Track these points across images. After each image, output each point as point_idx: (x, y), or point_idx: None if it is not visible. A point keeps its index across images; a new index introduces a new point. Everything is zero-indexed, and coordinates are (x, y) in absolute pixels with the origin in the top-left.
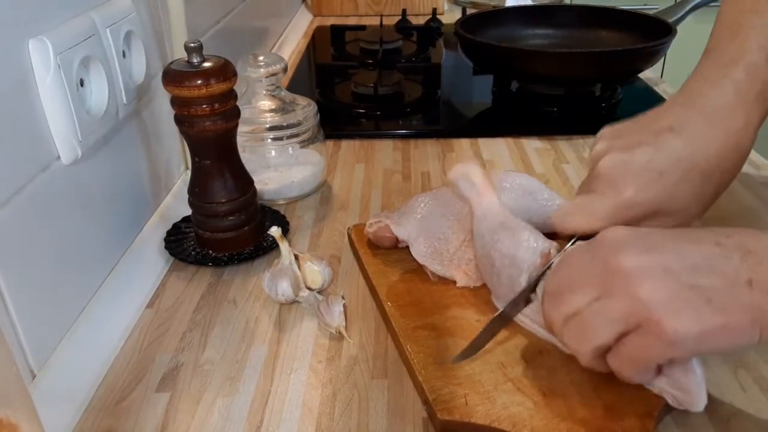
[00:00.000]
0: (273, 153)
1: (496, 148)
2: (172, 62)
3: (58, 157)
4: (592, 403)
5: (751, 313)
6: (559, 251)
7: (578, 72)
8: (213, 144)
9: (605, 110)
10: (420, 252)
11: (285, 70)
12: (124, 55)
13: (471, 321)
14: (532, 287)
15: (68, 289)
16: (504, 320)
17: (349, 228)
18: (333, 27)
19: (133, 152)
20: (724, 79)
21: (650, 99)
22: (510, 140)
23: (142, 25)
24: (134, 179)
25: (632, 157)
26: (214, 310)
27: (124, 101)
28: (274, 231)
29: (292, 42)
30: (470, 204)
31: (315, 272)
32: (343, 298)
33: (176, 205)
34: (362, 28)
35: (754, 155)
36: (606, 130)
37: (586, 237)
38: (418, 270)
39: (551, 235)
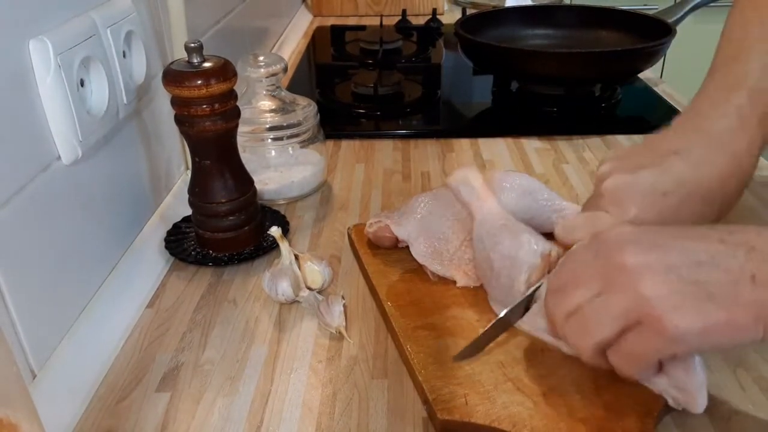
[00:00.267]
0: (273, 153)
1: (496, 148)
2: (172, 62)
3: (59, 157)
4: (592, 402)
5: (754, 309)
6: (559, 254)
7: (578, 72)
8: (213, 144)
9: (605, 110)
10: (420, 252)
11: (285, 70)
12: (124, 55)
13: (471, 321)
14: (533, 293)
15: (68, 289)
16: (505, 324)
17: (349, 228)
18: (333, 27)
19: (133, 152)
20: (727, 104)
21: (650, 99)
22: (510, 140)
23: (142, 25)
24: (134, 179)
25: (637, 178)
26: (214, 310)
27: (125, 101)
28: (274, 231)
29: (292, 42)
30: (471, 208)
31: (315, 272)
32: (343, 298)
33: (176, 205)
34: (362, 28)
35: None
36: (612, 153)
37: None
38: (418, 270)
39: (551, 236)
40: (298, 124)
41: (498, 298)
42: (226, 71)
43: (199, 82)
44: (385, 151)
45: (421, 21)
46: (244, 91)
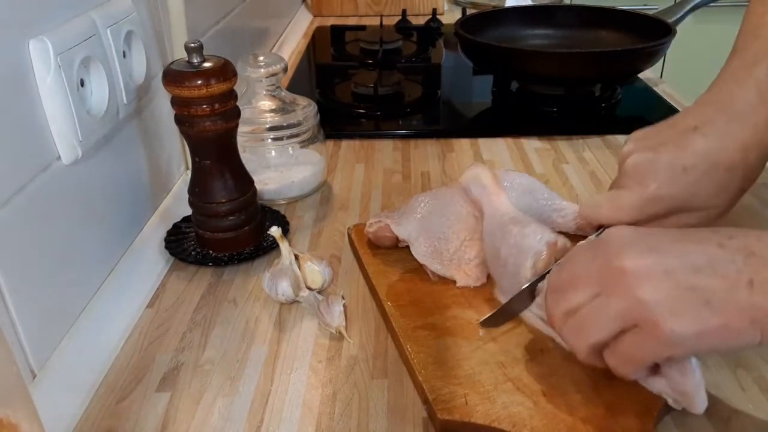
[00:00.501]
0: (273, 153)
1: (496, 148)
2: (172, 62)
3: (59, 157)
4: (592, 402)
5: (750, 313)
6: (566, 244)
7: (578, 72)
8: (213, 144)
9: (605, 110)
10: (420, 252)
11: (285, 70)
12: (124, 55)
13: (471, 321)
14: (539, 279)
15: (68, 289)
16: (511, 312)
17: (349, 228)
18: (333, 27)
19: (133, 152)
20: (747, 78)
21: (650, 99)
22: (510, 140)
23: (142, 25)
24: (134, 179)
25: (657, 154)
26: (214, 310)
27: (125, 101)
28: (274, 231)
29: (292, 42)
30: (480, 205)
31: (315, 272)
32: (343, 298)
33: (176, 205)
34: (362, 28)
35: None
36: (635, 133)
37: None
38: (418, 270)
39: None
40: (298, 124)
41: (505, 287)
42: (226, 71)
43: (199, 82)
44: (385, 151)
45: (421, 21)
46: (244, 91)
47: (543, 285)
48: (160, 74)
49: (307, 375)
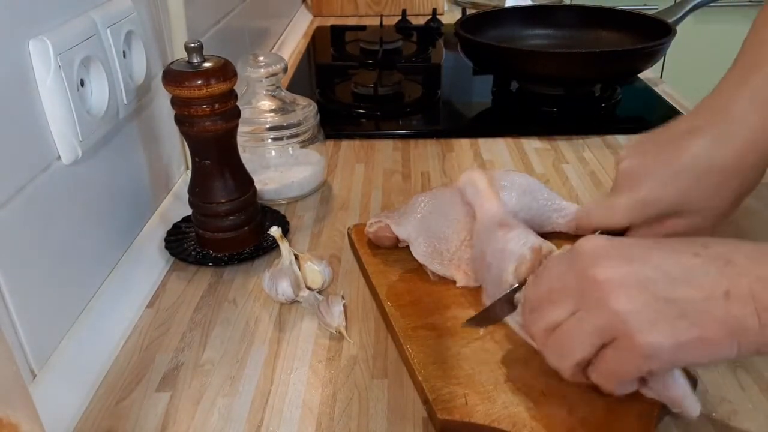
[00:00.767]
0: (273, 153)
1: (496, 148)
2: (172, 62)
3: (59, 157)
4: (592, 402)
5: (727, 325)
6: (551, 248)
7: (578, 72)
8: (213, 144)
9: (605, 110)
10: (420, 252)
11: (285, 70)
12: (124, 55)
13: None
14: (517, 288)
15: (68, 289)
16: (493, 317)
17: (349, 228)
18: (333, 27)
19: (133, 152)
20: (743, 86)
21: (650, 99)
22: (510, 140)
23: (142, 25)
24: (134, 179)
25: (649, 159)
26: (214, 310)
27: (125, 101)
28: (274, 231)
29: (292, 42)
30: (474, 209)
31: (315, 272)
32: (343, 298)
33: (176, 205)
34: (362, 28)
35: None
36: (631, 140)
37: (609, 234)
38: (418, 270)
39: (551, 235)
40: (298, 124)
41: (489, 292)
42: (226, 71)
43: (199, 82)
44: (385, 151)
45: (421, 21)
46: (244, 91)
47: (521, 294)
48: (160, 74)
49: (307, 375)
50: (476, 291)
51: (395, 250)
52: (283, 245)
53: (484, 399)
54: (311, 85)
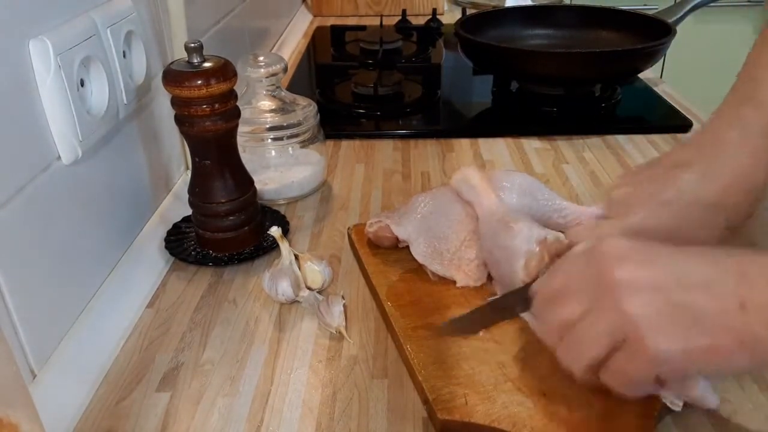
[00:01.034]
0: (273, 153)
1: (496, 148)
2: (172, 62)
3: (59, 157)
4: (592, 402)
5: (740, 336)
6: (557, 238)
7: (578, 72)
8: (213, 144)
9: (605, 110)
10: (420, 252)
11: (285, 70)
12: (124, 55)
13: None
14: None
15: (68, 289)
16: (510, 311)
17: (349, 228)
18: (333, 27)
19: (133, 152)
20: (734, 118)
21: (650, 99)
22: (510, 140)
23: (142, 25)
24: (134, 179)
25: (639, 188)
26: (214, 310)
27: (125, 101)
28: (274, 231)
29: (292, 42)
30: (474, 207)
31: (315, 272)
32: (343, 298)
33: (176, 205)
34: (362, 28)
35: None
36: (626, 170)
37: None
38: (418, 270)
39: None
40: (298, 124)
41: (504, 289)
42: (226, 71)
43: (199, 82)
44: (385, 151)
45: (421, 21)
46: (244, 91)
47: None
48: (160, 74)
49: (307, 375)
50: (476, 291)
51: (395, 250)
52: (283, 245)
53: (484, 399)
54: (311, 85)
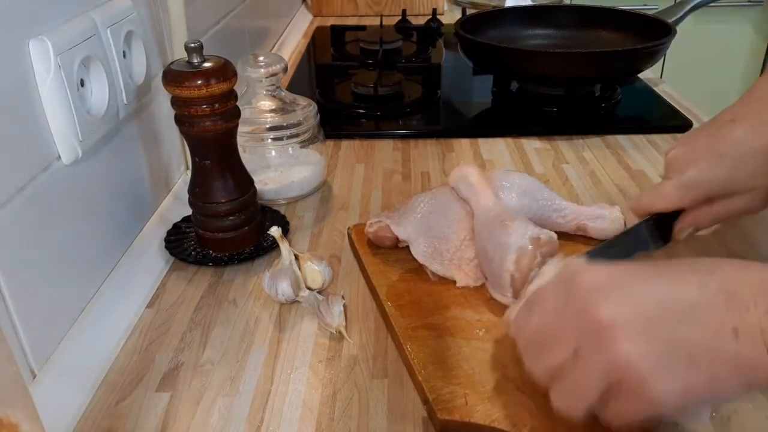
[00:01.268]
0: (273, 153)
1: (496, 148)
2: (172, 62)
3: (59, 157)
4: None
5: (737, 366)
6: (550, 237)
7: (578, 72)
8: (213, 144)
9: (605, 110)
10: (420, 252)
11: (285, 70)
12: (124, 55)
13: (471, 321)
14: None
15: (68, 288)
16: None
17: (349, 228)
18: (333, 27)
19: (133, 152)
20: None
21: (650, 99)
22: (510, 140)
23: (142, 25)
24: (134, 179)
25: (695, 145)
26: (214, 310)
27: (125, 101)
28: (274, 231)
29: (292, 42)
30: (470, 204)
31: (315, 272)
32: (343, 298)
33: (176, 205)
34: (362, 28)
35: None
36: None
37: (656, 219)
38: (418, 270)
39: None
40: (298, 124)
41: (495, 286)
42: (226, 71)
43: (199, 82)
44: (385, 151)
45: (421, 21)
46: (244, 91)
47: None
48: (160, 74)
49: (307, 375)
50: (476, 291)
51: (395, 250)
52: (283, 245)
53: (484, 399)
54: (311, 85)
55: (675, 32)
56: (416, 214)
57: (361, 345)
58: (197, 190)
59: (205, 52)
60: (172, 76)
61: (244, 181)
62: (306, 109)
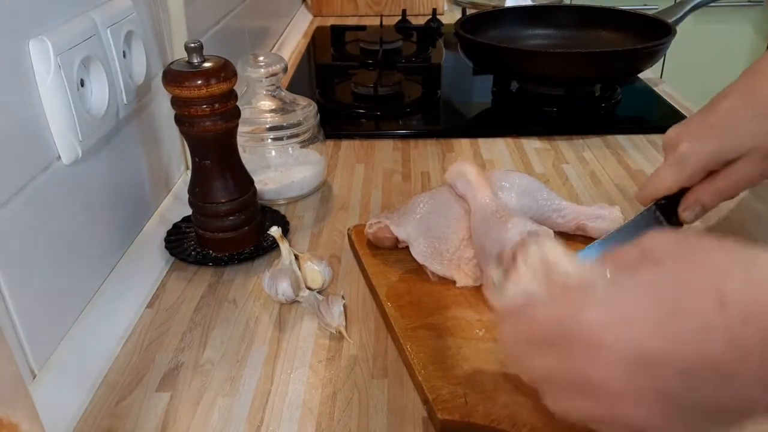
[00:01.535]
0: (273, 153)
1: (496, 148)
2: (172, 62)
3: (59, 157)
4: None
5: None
6: (548, 235)
7: (578, 72)
8: (213, 144)
9: (605, 110)
10: (420, 252)
11: (285, 70)
12: (124, 55)
13: (471, 321)
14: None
15: (68, 288)
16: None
17: (349, 228)
18: (333, 27)
19: (133, 152)
20: None
21: (650, 99)
22: (510, 140)
23: (142, 25)
24: (134, 179)
25: (687, 125)
26: (214, 310)
27: (125, 101)
28: (274, 231)
29: (292, 42)
30: (467, 201)
31: (315, 272)
32: (343, 298)
33: (176, 205)
34: (362, 28)
35: None
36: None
37: (661, 207)
38: (418, 270)
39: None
40: (298, 124)
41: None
42: (226, 71)
43: (199, 82)
44: (385, 151)
45: (421, 21)
46: (244, 91)
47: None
48: (160, 74)
49: (307, 375)
50: (476, 291)
51: (395, 250)
52: (283, 245)
53: (484, 399)
54: (311, 85)
55: (675, 32)
56: (416, 214)
57: (361, 345)
58: (197, 190)
59: (205, 52)
60: (172, 76)
61: (244, 181)
62: (306, 109)
